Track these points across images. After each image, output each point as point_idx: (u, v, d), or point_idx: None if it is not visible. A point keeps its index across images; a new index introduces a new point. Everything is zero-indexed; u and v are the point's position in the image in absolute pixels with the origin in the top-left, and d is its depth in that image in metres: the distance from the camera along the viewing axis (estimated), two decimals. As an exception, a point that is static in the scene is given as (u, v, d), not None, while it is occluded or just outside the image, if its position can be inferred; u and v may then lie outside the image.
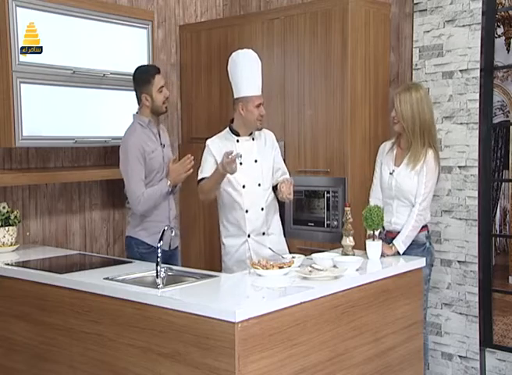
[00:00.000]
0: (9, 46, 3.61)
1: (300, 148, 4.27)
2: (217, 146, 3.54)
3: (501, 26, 5.56)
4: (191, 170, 3.56)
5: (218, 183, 3.46)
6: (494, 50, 3.98)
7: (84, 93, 4.02)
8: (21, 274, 3.19)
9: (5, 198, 3.93)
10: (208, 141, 3.59)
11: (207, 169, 3.52)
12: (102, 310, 2.78)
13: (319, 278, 2.75)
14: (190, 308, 2.43)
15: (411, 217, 3.37)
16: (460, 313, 3.96)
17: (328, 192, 4.14)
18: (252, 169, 3.53)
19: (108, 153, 4.47)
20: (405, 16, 4.27)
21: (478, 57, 3.85)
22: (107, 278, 2.88)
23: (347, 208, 3.22)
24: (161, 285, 2.69)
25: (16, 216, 3.70)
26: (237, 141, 3.55)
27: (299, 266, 2.96)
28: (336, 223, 4.10)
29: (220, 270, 3.54)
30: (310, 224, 4.24)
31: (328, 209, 4.14)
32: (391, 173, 3.48)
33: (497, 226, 6.30)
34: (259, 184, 3.53)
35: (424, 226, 3.46)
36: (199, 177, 3.54)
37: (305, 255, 3.15)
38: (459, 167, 3.94)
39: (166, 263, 2.93)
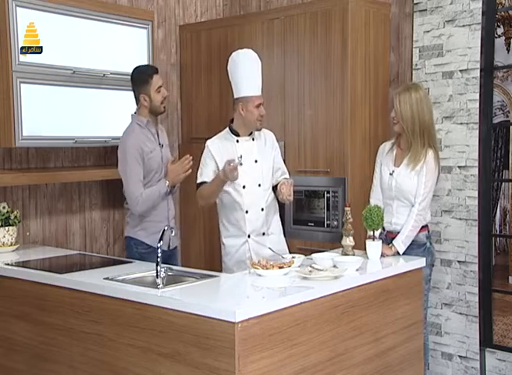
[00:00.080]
0: (9, 46, 3.61)
1: (300, 148, 4.27)
2: (217, 147, 3.54)
3: (501, 26, 5.56)
4: (190, 170, 3.56)
5: (218, 189, 3.47)
6: (494, 50, 3.98)
7: (84, 93, 4.02)
8: (21, 274, 3.19)
9: (5, 198, 3.93)
10: (208, 142, 3.59)
11: (206, 173, 3.52)
12: (102, 310, 2.78)
13: (319, 278, 2.75)
14: (190, 308, 2.43)
15: (411, 217, 3.37)
16: (460, 313, 3.96)
17: (328, 192, 4.14)
18: (252, 170, 3.52)
19: (108, 153, 4.47)
20: (405, 16, 4.27)
21: (478, 57, 3.85)
22: (107, 278, 2.88)
23: (347, 208, 3.22)
24: (161, 285, 2.69)
25: (16, 216, 3.70)
26: (237, 141, 3.54)
27: (299, 266, 2.96)
28: (336, 223, 4.10)
29: (220, 270, 3.54)
30: (310, 224, 4.24)
31: (328, 209, 4.14)
32: (391, 174, 3.48)
33: (497, 226, 6.30)
34: (259, 185, 3.53)
35: (425, 227, 3.46)
36: (198, 181, 3.54)
37: (305, 255, 3.15)
38: (459, 167, 3.94)
39: (165, 263, 2.93)
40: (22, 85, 3.67)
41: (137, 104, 3.63)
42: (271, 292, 2.66)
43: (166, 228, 2.98)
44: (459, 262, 3.95)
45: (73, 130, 3.98)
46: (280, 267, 2.84)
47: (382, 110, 4.25)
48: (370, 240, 3.17)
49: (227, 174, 3.30)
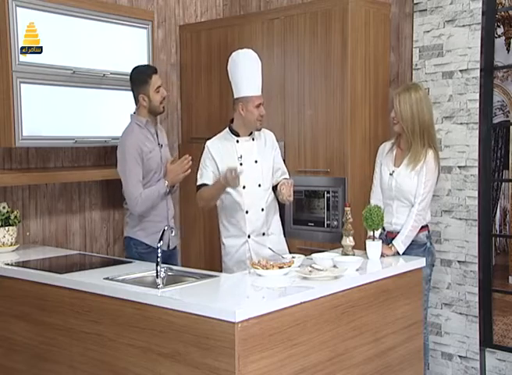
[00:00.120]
0: (9, 46, 3.61)
1: (300, 148, 4.27)
2: (216, 147, 3.54)
3: (501, 26, 5.56)
4: (189, 170, 3.56)
5: (219, 193, 3.48)
6: (494, 50, 3.98)
7: (84, 93, 4.02)
8: (21, 274, 3.19)
9: (5, 198, 3.93)
10: (208, 143, 3.58)
11: (206, 175, 3.52)
12: (102, 310, 2.78)
13: (319, 278, 2.75)
14: (190, 308, 2.43)
15: (410, 217, 3.37)
16: (460, 313, 3.96)
17: (328, 192, 4.14)
18: (252, 170, 3.52)
19: (108, 153, 4.47)
20: (405, 16, 4.27)
21: (478, 57, 3.85)
22: (107, 278, 2.88)
23: (347, 208, 3.22)
24: (161, 285, 2.69)
25: (16, 216, 3.70)
26: (237, 141, 3.54)
27: (299, 266, 2.96)
28: (336, 223, 4.10)
29: (220, 270, 3.54)
30: (310, 224, 4.24)
31: (328, 209, 4.14)
32: (391, 174, 3.48)
33: (497, 226, 6.30)
34: (259, 185, 3.53)
35: (425, 227, 3.46)
36: (198, 183, 3.54)
37: (305, 255, 3.15)
38: (459, 167, 3.94)
39: (165, 263, 2.93)
40: (22, 85, 3.67)
41: (136, 104, 3.63)
42: (271, 292, 2.66)
43: (166, 228, 2.98)
44: (459, 262, 3.95)
45: (73, 130, 3.98)
46: (280, 267, 2.84)
47: (382, 110, 4.24)
48: (370, 240, 3.17)
49: (228, 181, 3.32)
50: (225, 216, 3.60)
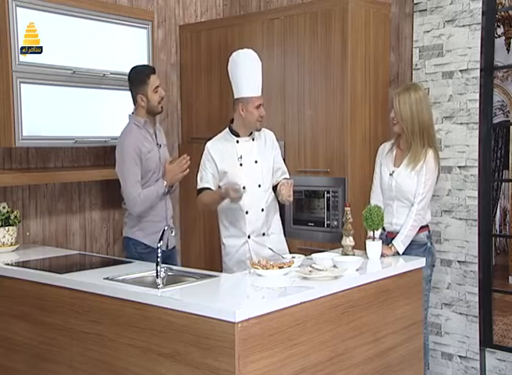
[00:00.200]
0: (9, 46, 3.61)
1: (300, 148, 4.27)
2: (216, 148, 3.54)
3: (501, 26, 5.57)
4: (187, 170, 3.56)
5: (218, 202, 3.49)
6: (494, 50, 3.98)
7: (84, 93, 4.02)
8: (21, 274, 3.19)
9: (5, 198, 3.93)
10: (208, 144, 3.58)
11: (206, 179, 3.52)
12: (102, 310, 2.78)
13: (319, 278, 2.75)
14: (190, 308, 2.43)
15: (410, 217, 3.37)
16: (460, 313, 3.96)
17: (328, 192, 4.14)
18: (252, 170, 3.52)
19: (107, 153, 4.47)
20: (405, 16, 4.27)
21: (478, 57, 3.85)
22: (107, 278, 2.88)
23: (347, 208, 3.21)
24: (161, 285, 2.69)
25: (16, 216, 3.70)
26: (237, 141, 3.54)
27: (299, 266, 2.96)
28: (336, 223, 4.10)
29: (220, 270, 3.54)
30: (310, 224, 4.24)
31: (328, 209, 4.14)
32: (391, 174, 3.48)
33: (497, 226, 6.31)
34: (259, 185, 3.53)
35: (425, 227, 3.46)
36: (199, 187, 3.54)
37: (305, 255, 3.14)
38: (459, 167, 3.94)
39: (164, 263, 2.93)
40: (22, 85, 3.67)
41: (135, 104, 3.63)
42: (271, 292, 2.66)
43: (166, 228, 2.98)
44: (459, 262, 3.95)
45: (73, 130, 3.98)
46: (280, 267, 2.84)
47: (382, 110, 4.24)
48: (370, 240, 3.17)
49: (231, 198, 3.34)
50: (225, 216, 3.60)
